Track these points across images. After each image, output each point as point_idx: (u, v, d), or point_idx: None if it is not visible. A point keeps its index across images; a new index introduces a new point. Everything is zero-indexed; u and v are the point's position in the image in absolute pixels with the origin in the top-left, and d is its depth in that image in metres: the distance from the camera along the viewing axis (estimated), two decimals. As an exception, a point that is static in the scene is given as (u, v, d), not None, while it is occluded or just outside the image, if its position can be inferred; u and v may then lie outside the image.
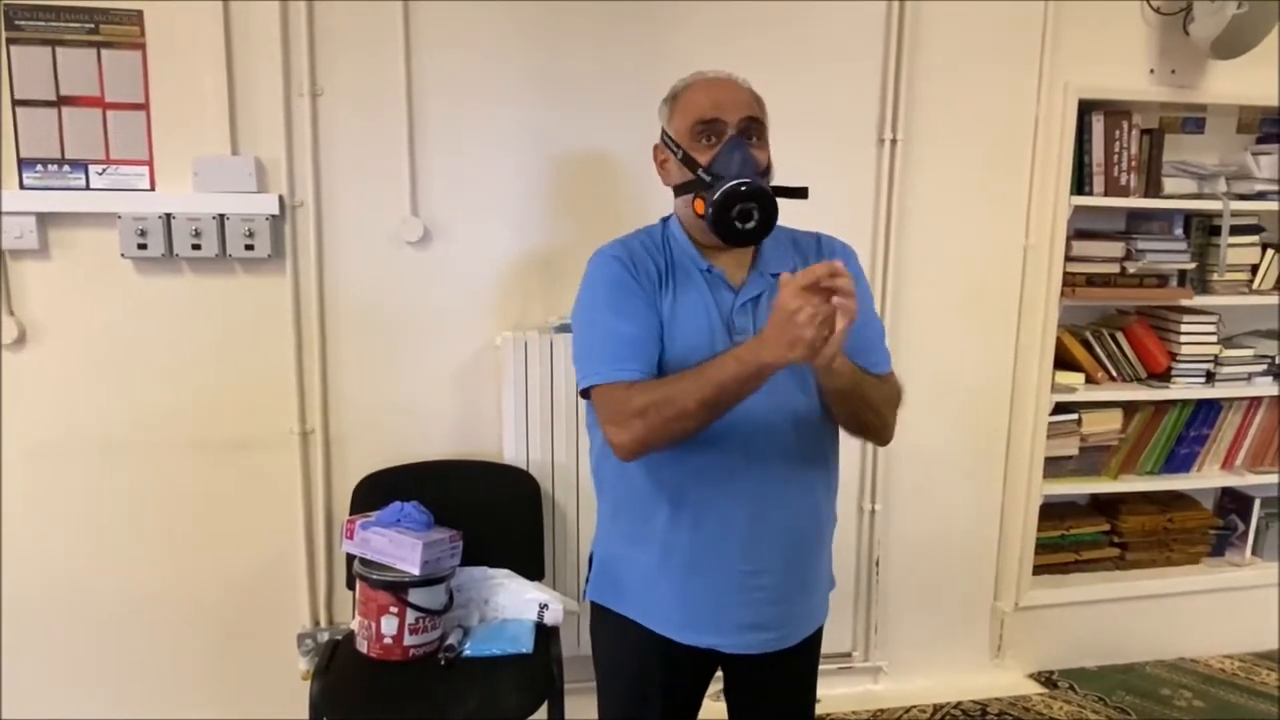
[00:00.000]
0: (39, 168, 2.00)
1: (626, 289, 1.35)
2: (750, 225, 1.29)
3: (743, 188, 1.28)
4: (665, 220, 1.47)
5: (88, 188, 2.02)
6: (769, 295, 1.35)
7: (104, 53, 1.99)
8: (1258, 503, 2.86)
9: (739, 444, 1.33)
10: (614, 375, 1.31)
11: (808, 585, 1.46)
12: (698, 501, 1.36)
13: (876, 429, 1.40)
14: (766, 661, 1.44)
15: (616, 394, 1.29)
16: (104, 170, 2.03)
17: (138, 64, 2.01)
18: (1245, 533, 2.88)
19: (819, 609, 1.51)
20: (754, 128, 1.37)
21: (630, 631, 1.45)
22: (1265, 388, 2.71)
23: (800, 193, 1.36)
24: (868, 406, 1.34)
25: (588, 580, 1.54)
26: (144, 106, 2.03)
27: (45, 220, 2.02)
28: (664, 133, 1.43)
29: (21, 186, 2.00)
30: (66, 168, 2.01)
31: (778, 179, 1.39)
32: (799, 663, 1.52)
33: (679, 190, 1.40)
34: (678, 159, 1.38)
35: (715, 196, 1.28)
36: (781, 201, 1.33)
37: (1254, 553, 2.88)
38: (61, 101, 1.99)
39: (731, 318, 1.36)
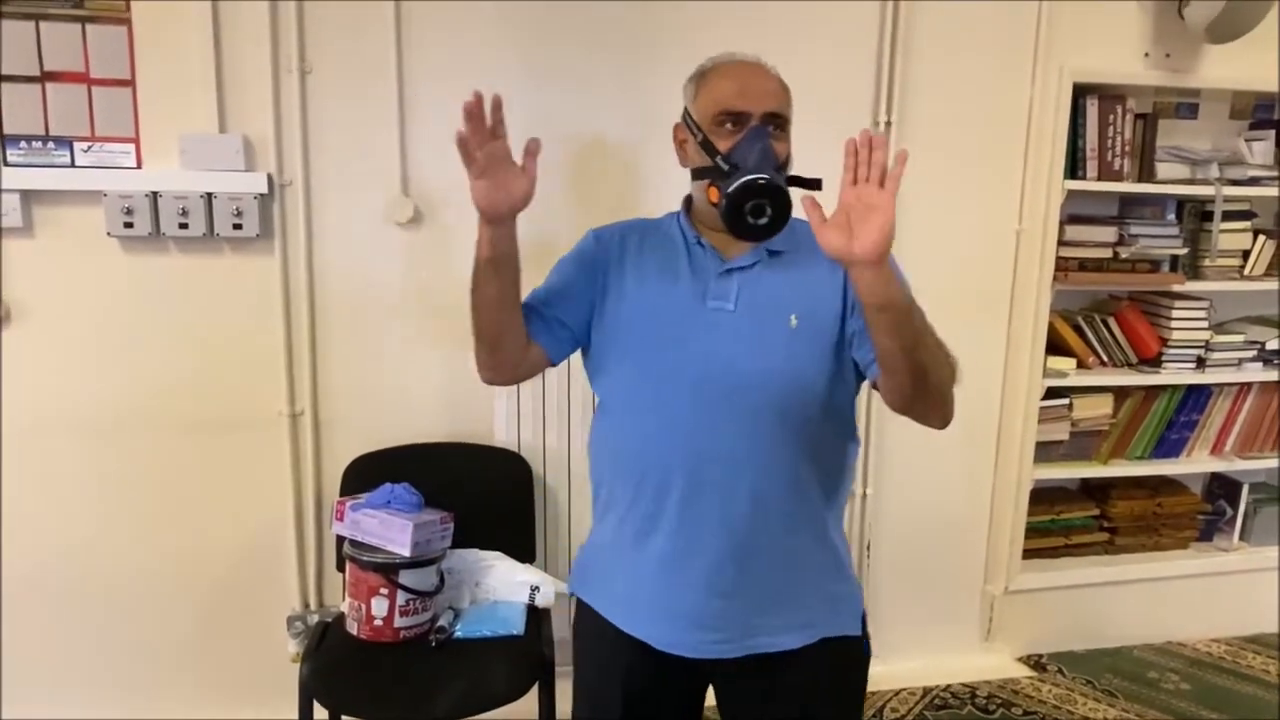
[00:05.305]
0: (23, 144, 1.97)
1: (578, 260, 1.45)
2: (762, 221, 1.24)
3: (760, 182, 1.22)
4: (676, 212, 1.44)
5: (73, 165, 1.99)
6: (763, 267, 1.34)
7: (89, 28, 1.95)
8: (1246, 488, 2.88)
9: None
10: None
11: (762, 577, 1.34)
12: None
13: (939, 402, 1.24)
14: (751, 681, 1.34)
15: None
16: (89, 147, 2.00)
17: (123, 40, 1.97)
18: (1233, 518, 2.89)
19: (797, 623, 1.35)
20: (777, 120, 1.33)
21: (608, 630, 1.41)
22: (1255, 373, 2.72)
23: (814, 184, 1.30)
24: (928, 376, 1.19)
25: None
26: (130, 83, 1.99)
27: (30, 198, 1.99)
28: (686, 112, 1.37)
29: (5, 163, 1.96)
30: (51, 144, 1.98)
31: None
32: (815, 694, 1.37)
33: (696, 174, 1.36)
34: (697, 142, 1.33)
35: (730, 189, 1.23)
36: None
37: (1241, 538, 2.90)
38: (45, 77, 1.96)
39: (710, 282, 1.33)
